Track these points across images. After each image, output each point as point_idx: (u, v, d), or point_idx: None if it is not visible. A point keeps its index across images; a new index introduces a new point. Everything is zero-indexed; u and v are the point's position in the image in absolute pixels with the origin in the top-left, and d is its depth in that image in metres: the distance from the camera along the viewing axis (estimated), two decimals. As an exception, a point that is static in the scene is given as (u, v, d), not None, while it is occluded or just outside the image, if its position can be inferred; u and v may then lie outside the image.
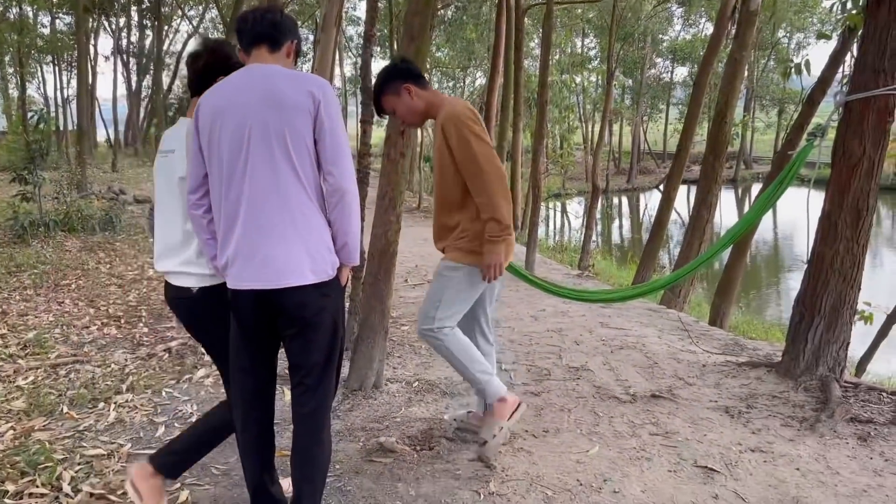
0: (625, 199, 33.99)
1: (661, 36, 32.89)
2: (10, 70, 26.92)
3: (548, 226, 24.54)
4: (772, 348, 4.85)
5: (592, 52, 34.32)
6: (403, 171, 3.89)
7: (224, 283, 2.24)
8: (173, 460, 2.64)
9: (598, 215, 26.79)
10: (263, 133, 2.10)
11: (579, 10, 21.83)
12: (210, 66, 2.48)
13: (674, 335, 5.16)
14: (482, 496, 2.80)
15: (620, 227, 28.89)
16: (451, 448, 3.25)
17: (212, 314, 2.43)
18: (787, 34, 34.19)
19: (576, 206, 27.64)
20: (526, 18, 15.43)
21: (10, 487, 2.94)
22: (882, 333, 5.44)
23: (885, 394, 3.78)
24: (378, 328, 3.91)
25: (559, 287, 4.30)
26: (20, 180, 9.47)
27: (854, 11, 3.97)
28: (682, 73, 38.23)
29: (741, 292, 15.84)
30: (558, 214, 28.53)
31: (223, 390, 4.06)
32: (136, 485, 2.56)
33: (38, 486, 2.96)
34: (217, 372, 4.40)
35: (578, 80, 35.32)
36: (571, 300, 4.75)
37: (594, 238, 17.87)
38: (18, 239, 9.13)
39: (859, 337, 5.64)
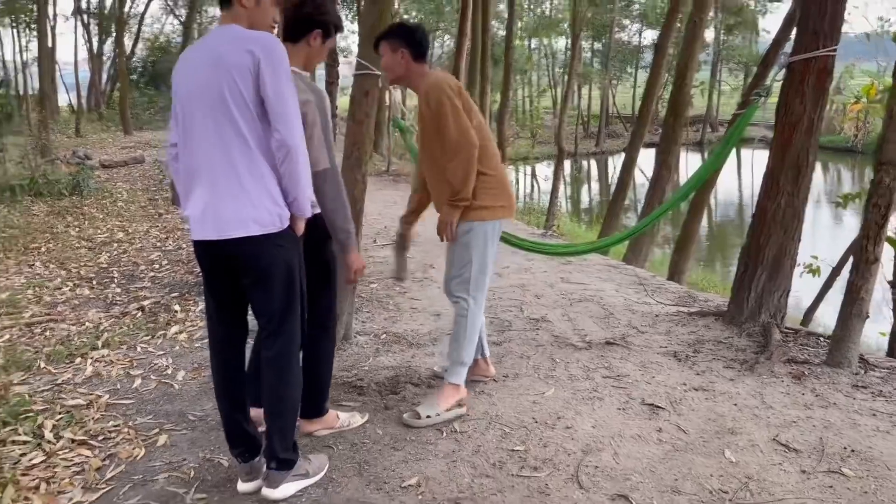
0: (594, 163, 34.30)
1: (630, -1, 32.94)
2: (-35, 32, 26.15)
3: (516, 190, 24.74)
4: (722, 300, 5.11)
5: (561, 15, 34.25)
6: (369, 132, 4.02)
7: (285, 230, 2.38)
8: (312, 401, 2.93)
9: (567, 179, 27.14)
10: (205, 93, 2.23)
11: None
12: (310, 16, 2.70)
13: (631, 289, 5.41)
14: (444, 434, 3.01)
15: (589, 190, 29.23)
16: (416, 393, 3.45)
17: (315, 235, 2.70)
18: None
19: (545, 170, 27.85)
20: (494, -20, 15.42)
21: (-7, 436, 3.07)
22: (827, 285, 5.75)
23: (822, 338, 4.05)
24: (345, 283, 4.06)
25: (522, 240, 4.50)
26: (-16, 145, 9.38)
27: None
28: (651, 36, 38.39)
29: (711, 253, 16.29)
30: (528, 179, 28.75)
31: (197, 345, 4.24)
32: (309, 429, 2.98)
33: (20, 434, 3.09)
34: (190, 327, 4.56)
35: (546, 43, 35.30)
36: (534, 253, 4.97)
37: (563, 201, 18.15)
38: (-16, 204, 9.08)
39: (807, 288, 5.95)
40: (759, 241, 4.09)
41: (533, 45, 36.04)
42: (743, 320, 4.13)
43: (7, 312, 4.94)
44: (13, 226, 7.92)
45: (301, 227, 2.41)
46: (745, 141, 26.41)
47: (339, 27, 2.86)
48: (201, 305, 5.02)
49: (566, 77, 17.18)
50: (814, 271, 5.48)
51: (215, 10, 31.85)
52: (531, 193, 26.03)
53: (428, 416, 3.13)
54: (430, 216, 3.59)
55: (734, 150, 4.03)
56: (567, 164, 27.46)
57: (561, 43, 36.60)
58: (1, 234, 7.44)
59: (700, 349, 3.93)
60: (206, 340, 4.22)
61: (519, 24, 27.03)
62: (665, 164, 7.98)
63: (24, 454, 2.93)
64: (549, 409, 3.22)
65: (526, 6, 29.32)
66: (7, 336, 4.46)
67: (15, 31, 25.45)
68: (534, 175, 28.30)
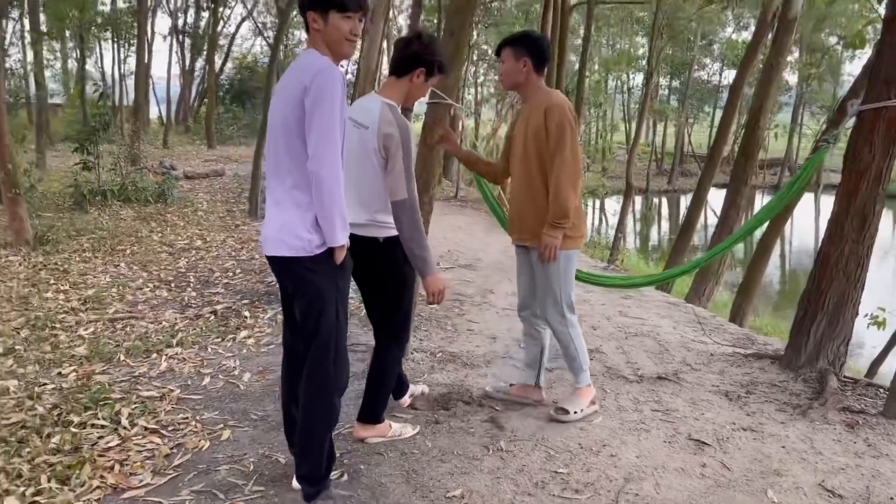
0: (665, 201, 33.80)
1: (711, 37, 32.55)
2: (71, 45, 27.91)
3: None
4: (781, 344, 5.04)
5: (641, 51, 34.14)
6: (438, 158, 4.20)
7: (318, 255, 2.48)
8: (371, 407, 3.16)
9: (636, 215, 26.86)
10: (273, 120, 2.47)
11: (627, 9, 21.82)
12: (417, 54, 2.94)
13: (689, 327, 5.40)
14: (491, 451, 3.12)
15: (658, 227, 28.82)
16: (466, 410, 3.57)
17: (393, 256, 2.96)
18: (840, 40, 33.52)
19: (614, 205, 27.63)
20: (573, 15, 15.61)
21: (75, 419, 3.34)
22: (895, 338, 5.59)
23: (881, 389, 3.98)
24: (413, 300, 4.23)
25: (581, 272, 4.58)
26: (82, 150, 10.02)
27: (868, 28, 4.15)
28: (732, 76, 37.79)
29: (781, 299, 15.84)
30: (596, 212, 28.57)
31: (263, 349, 4.47)
32: (363, 434, 3.16)
33: (99, 419, 3.36)
34: (258, 333, 4.81)
35: (622, 77, 35.16)
36: (591, 285, 5.04)
37: (630, 237, 18.00)
38: (77, 206, 9.71)
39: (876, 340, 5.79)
40: (820, 286, 4.06)
41: (609, 80, 35.97)
42: (800, 365, 4.09)
43: (93, 308, 5.31)
44: (103, 228, 8.45)
45: (339, 256, 2.47)
46: (824, 187, 25.61)
47: (443, 68, 3.07)
48: (269, 313, 5.28)
49: (639, 112, 17.15)
50: (879, 323, 5.36)
51: (301, 33, 33.11)
52: (598, 227, 25.85)
53: (575, 412, 3.41)
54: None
55: (811, 196, 4.03)
56: (637, 200, 27.22)
57: (638, 78, 36.44)
58: (91, 235, 7.96)
59: (753, 390, 3.91)
60: (272, 346, 4.48)
61: (595, 59, 27.12)
62: (734, 205, 7.91)
63: (101, 437, 3.19)
64: (595, 437, 3.29)
65: (604, 41, 29.36)
66: (92, 329, 4.81)
67: (115, 45, 27.02)
68: (602, 209, 28.11)
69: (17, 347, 4.35)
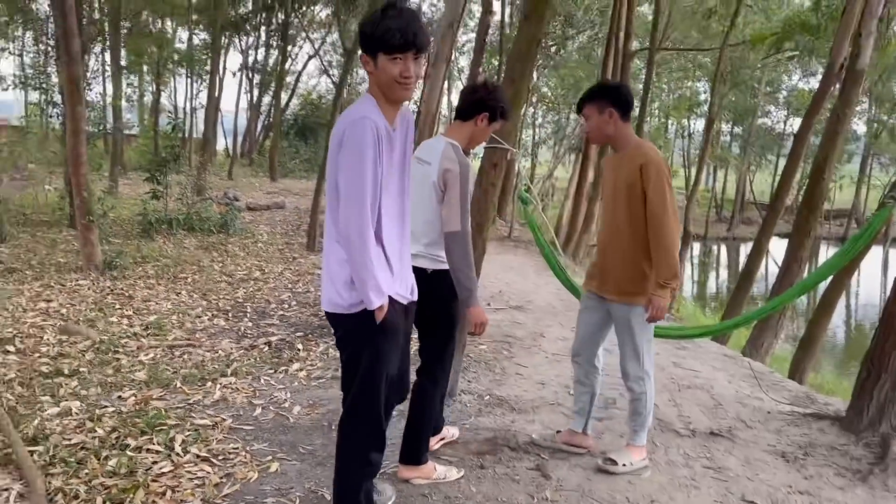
0: (723, 248, 33.12)
1: (777, 85, 32.05)
2: (147, 79, 29.24)
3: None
4: (843, 405, 4.85)
5: (703, 97, 33.85)
6: (492, 201, 4.25)
7: (359, 314, 2.42)
8: (413, 447, 3.18)
9: (693, 262, 26.36)
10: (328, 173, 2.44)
11: (690, 55, 21.73)
12: (482, 100, 3.09)
13: (745, 382, 5.25)
14: (535, 500, 3.08)
15: (716, 276, 28.19)
16: (512, 456, 3.54)
17: (439, 290, 3.03)
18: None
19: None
20: (635, 60, 15.63)
21: (132, 442, 3.45)
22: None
23: (950, 459, 3.79)
24: (456, 342, 4.25)
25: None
26: (152, 180, 10.45)
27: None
28: (796, 124, 37.04)
29: (846, 356, 15.26)
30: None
31: (314, 383, 4.54)
32: (407, 475, 3.18)
33: (154, 444, 3.46)
34: (310, 366, 4.88)
35: (683, 123, 34.82)
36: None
37: (686, 284, 17.64)
38: (145, 233, 10.09)
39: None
40: (885, 346, 3.92)
41: (669, 125, 35.71)
42: (861, 428, 3.93)
43: (154, 334, 5.49)
44: (167, 256, 8.75)
45: (379, 315, 2.37)
46: (892, 240, 24.68)
47: (505, 114, 3.17)
48: (322, 346, 5.37)
49: (699, 159, 16.95)
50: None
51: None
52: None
53: (624, 465, 3.36)
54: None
55: (880, 248, 3.92)
56: (695, 246, 26.74)
57: (699, 124, 36.06)
58: (156, 263, 8.25)
59: (811, 452, 3.78)
60: (323, 380, 4.55)
61: (656, 104, 27.00)
62: (796, 257, 7.71)
63: (155, 462, 3.28)
64: (643, 491, 3.23)
65: (664, 86, 29.22)
66: (152, 355, 4.96)
67: (189, 80, 28.15)
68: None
69: (81, 369, 4.53)
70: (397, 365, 2.57)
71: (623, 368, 3.46)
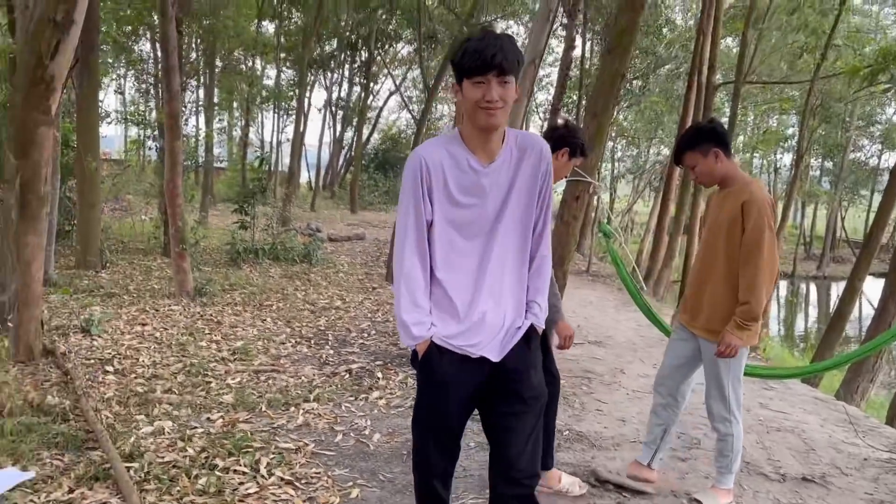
0: (813, 287, 31.69)
1: (872, 118, 30.77)
2: (237, 114, 30.62)
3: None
4: (949, 455, 4.57)
5: (790, 131, 32.83)
6: (574, 233, 4.25)
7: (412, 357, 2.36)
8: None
9: (780, 300, 25.32)
10: None
11: (777, 88, 21.15)
12: (563, 136, 3.24)
13: (838, 427, 5.00)
14: (617, 539, 3.02)
15: (805, 315, 26.98)
16: (592, 493, 3.48)
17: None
18: None
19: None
20: (718, 94, 15.34)
21: (220, 463, 3.57)
22: None
23: None
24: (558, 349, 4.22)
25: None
26: (240, 211, 10.89)
27: None
28: (892, 158, 35.35)
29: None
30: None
31: (393, 411, 4.60)
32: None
33: (240, 466, 3.57)
34: (389, 395, 4.95)
35: (769, 158, 33.78)
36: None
37: (773, 323, 16.94)
38: (232, 262, 10.50)
39: None
40: None
41: (754, 159, 34.72)
42: (970, 481, 3.68)
43: (241, 359, 5.68)
44: (253, 284, 9.07)
45: (420, 351, 2.23)
46: None
47: (584, 151, 3.28)
48: (401, 375, 5.43)
49: (787, 194, 16.38)
50: None
51: (443, 107, 34.55)
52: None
53: None
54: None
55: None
56: (782, 284, 25.71)
57: (786, 158, 34.94)
58: (243, 290, 8.56)
59: (913, 504, 3.56)
60: (402, 409, 4.60)
61: (741, 138, 26.35)
62: (893, 297, 7.31)
63: (241, 483, 3.38)
64: (730, 536, 3.11)
65: (749, 120, 28.51)
66: (239, 379, 5.14)
67: (276, 116, 29.31)
68: (743, 292, 26.71)
69: (174, 391, 4.73)
70: (452, 426, 2.30)
71: (708, 407, 3.37)
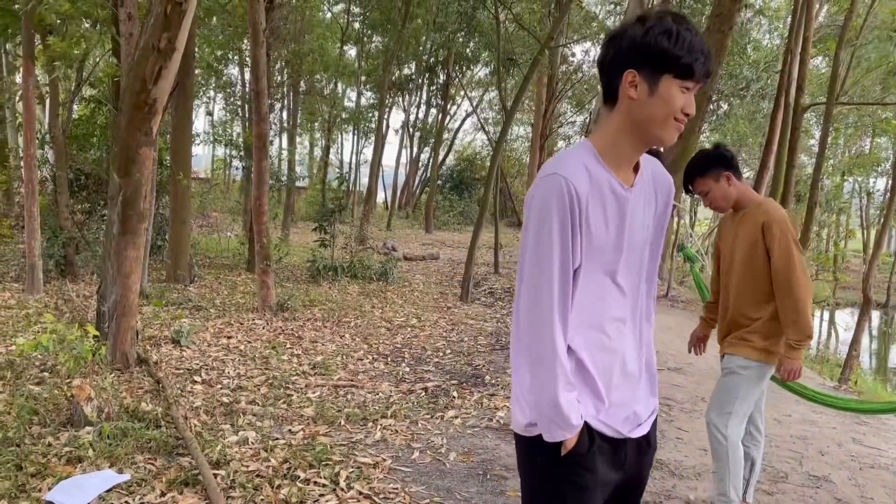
0: (910, 318, 29.95)
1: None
2: (318, 135, 31.49)
3: (810, 334, 22.44)
4: None
5: (884, 153, 31.35)
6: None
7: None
8: None
9: (873, 331, 24.07)
10: None
11: (869, 110, 20.28)
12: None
13: (940, 467, 4.72)
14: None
15: (901, 348, 25.50)
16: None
17: None
18: None
19: (845, 318, 25.03)
20: (806, 114, 14.84)
21: (301, 474, 3.67)
22: None
23: None
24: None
25: (807, 389, 4.25)
26: (321, 230, 11.19)
27: None
28: None
29: None
30: (824, 324, 26.02)
31: (469, 431, 4.61)
32: None
33: (321, 478, 3.66)
34: (464, 414, 4.96)
35: (862, 181, 32.34)
36: (820, 405, 4.62)
37: (865, 356, 16.08)
38: (313, 279, 10.78)
39: None
40: None
41: (846, 184, 33.26)
42: None
43: (320, 373, 5.82)
44: (332, 300, 9.28)
45: (566, 447, 1.66)
46: None
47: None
48: (476, 395, 5.44)
49: (882, 219, 15.63)
50: None
51: (520, 129, 34.59)
52: (826, 341, 23.48)
53: None
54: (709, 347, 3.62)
55: None
56: (875, 314, 24.46)
57: (880, 183, 33.33)
58: (322, 306, 8.77)
59: None
60: (477, 429, 4.60)
61: (830, 161, 25.34)
62: None
63: (322, 495, 3.46)
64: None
65: (840, 142, 27.40)
66: (319, 393, 5.26)
67: (355, 137, 30.02)
68: (832, 322, 25.57)
69: (257, 402, 4.89)
70: None
71: (707, 415, 3.29)
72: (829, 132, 11.19)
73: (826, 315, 25.60)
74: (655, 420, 1.83)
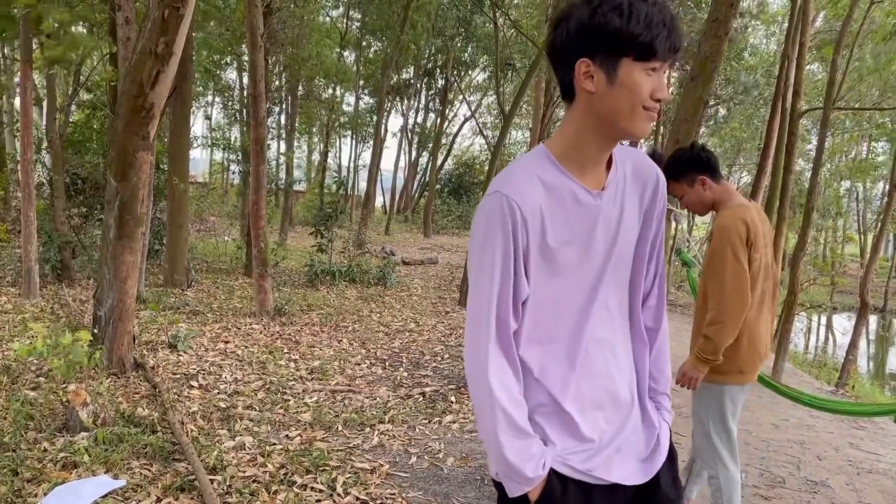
0: (907, 322, 29.98)
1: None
2: (316, 139, 31.54)
3: (807, 339, 22.54)
4: None
5: (881, 158, 31.42)
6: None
7: None
8: None
9: (870, 336, 24.09)
10: None
11: (868, 115, 20.34)
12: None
13: (938, 472, 4.71)
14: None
15: (899, 352, 25.53)
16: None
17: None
18: None
19: (843, 322, 25.05)
20: (802, 121, 14.87)
21: (298, 479, 3.65)
22: None
23: None
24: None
25: (802, 394, 4.24)
26: (318, 234, 11.18)
27: None
28: None
29: None
30: (822, 329, 26.05)
31: (467, 436, 4.60)
32: None
33: (317, 483, 3.64)
34: (462, 419, 4.95)
35: (860, 186, 32.45)
36: (816, 410, 4.62)
37: (863, 360, 16.09)
38: (310, 283, 10.77)
39: None
40: None
41: (842, 189, 33.34)
42: None
43: (318, 378, 5.80)
44: (330, 305, 9.27)
45: (532, 496, 1.45)
46: None
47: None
48: (474, 401, 5.43)
49: (879, 224, 15.65)
50: None
51: (518, 133, 34.63)
52: (824, 346, 23.49)
53: None
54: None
55: None
56: (872, 319, 24.48)
57: (878, 187, 33.42)
58: (320, 311, 8.76)
59: None
60: (475, 434, 4.59)
61: (827, 167, 25.39)
62: None
63: (319, 501, 3.45)
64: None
65: (841, 147, 27.46)
66: (316, 398, 5.25)
67: (353, 140, 30.04)
68: (829, 326, 25.59)
69: (254, 407, 4.87)
70: None
71: (693, 444, 3.09)
72: (826, 137, 11.20)
73: (823, 319, 25.63)
74: (671, 459, 1.57)
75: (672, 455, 1.59)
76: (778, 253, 12.73)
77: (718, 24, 4.33)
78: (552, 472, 1.43)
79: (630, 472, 1.49)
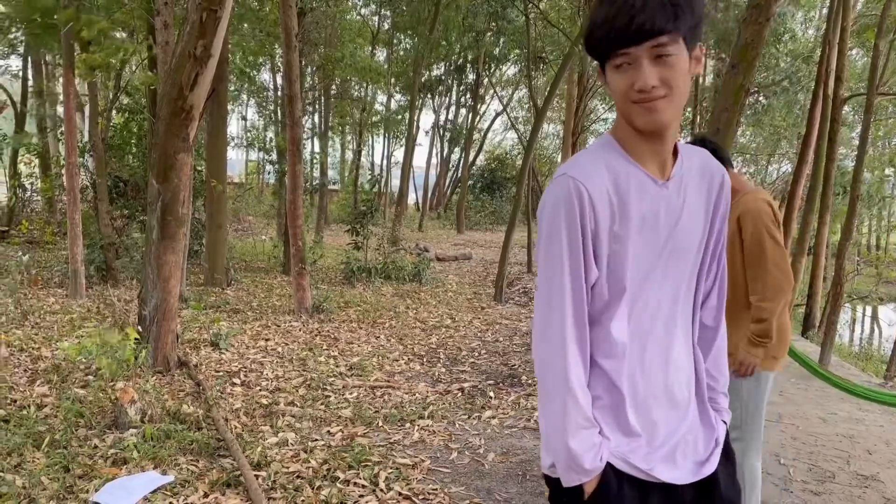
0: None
1: None
2: (349, 138, 31.72)
3: (852, 331, 22.01)
4: None
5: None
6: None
7: None
8: None
9: (918, 326, 23.42)
10: None
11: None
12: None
13: None
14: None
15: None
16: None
17: None
18: None
19: (889, 314, 24.43)
20: (846, 107, 14.52)
21: (341, 475, 3.69)
22: None
23: None
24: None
25: (854, 386, 4.15)
26: (353, 232, 11.26)
27: None
28: None
29: None
30: (867, 320, 25.43)
31: (507, 431, 4.59)
32: None
33: (360, 479, 3.67)
34: (502, 414, 4.95)
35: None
36: (865, 401, 4.51)
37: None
38: (347, 281, 10.85)
39: None
40: None
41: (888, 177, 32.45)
42: None
43: (357, 374, 5.84)
44: (367, 302, 9.33)
45: (586, 490, 1.43)
46: None
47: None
48: (513, 395, 5.42)
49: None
50: None
51: (549, 128, 34.40)
52: (869, 337, 22.93)
53: None
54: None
55: None
56: (919, 310, 23.84)
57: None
58: (357, 308, 8.83)
59: None
60: (514, 429, 4.58)
61: (870, 153, 24.74)
62: None
63: (362, 496, 3.48)
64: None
65: (881, 133, 26.75)
66: (356, 394, 5.28)
67: (386, 139, 30.15)
68: (874, 317, 24.97)
69: (296, 403, 4.93)
70: None
71: (730, 439, 3.06)
72: (870, 124, 10.92)
73: (869, 311, 25.01)
74: (729, 460, 1.56)
75: (730, 456, 1.57)
76: (822, 244, 12.47)
77: (759, 10, 4.24)
78: (609, 466, 1.41)
79: (687, 473, 1.47)
